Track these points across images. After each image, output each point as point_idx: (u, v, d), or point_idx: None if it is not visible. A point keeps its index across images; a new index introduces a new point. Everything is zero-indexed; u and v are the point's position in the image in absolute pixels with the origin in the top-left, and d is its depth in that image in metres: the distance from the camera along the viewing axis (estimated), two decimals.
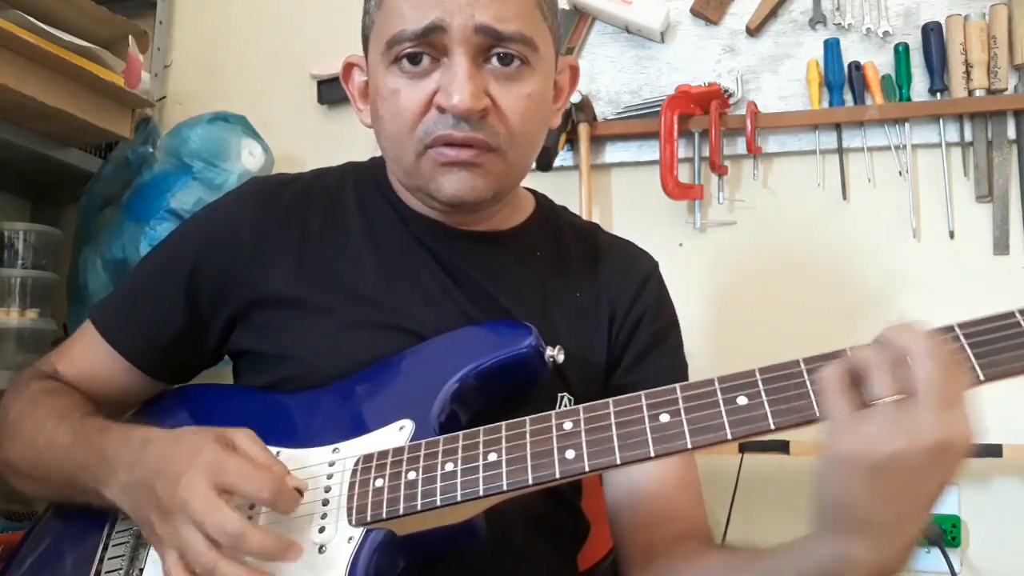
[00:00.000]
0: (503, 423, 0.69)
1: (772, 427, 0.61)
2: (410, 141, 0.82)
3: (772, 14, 1.57)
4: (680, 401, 0.64)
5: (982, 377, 0.58)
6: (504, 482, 0.66)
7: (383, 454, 0.72)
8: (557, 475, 0.65)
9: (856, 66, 1.51)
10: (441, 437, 0.71)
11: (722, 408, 0.62)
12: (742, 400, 0.61)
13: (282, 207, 0.91)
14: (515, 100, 0.82)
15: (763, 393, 0.61)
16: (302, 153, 1.72)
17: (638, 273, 0.96)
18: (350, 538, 0.69)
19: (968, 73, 1.45)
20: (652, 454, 0.63)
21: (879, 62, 1.51)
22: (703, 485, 0.91)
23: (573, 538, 0.94)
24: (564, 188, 1.50)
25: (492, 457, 0.67)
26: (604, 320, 0.92)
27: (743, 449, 1.36)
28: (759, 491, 1.42)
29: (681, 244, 1.57)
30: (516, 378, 0.80)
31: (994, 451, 1.31)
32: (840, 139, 1.52)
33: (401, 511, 0.68)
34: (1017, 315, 0.59)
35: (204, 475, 0.66)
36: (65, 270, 1.66)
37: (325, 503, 0.72)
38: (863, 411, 0.57)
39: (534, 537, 0.86)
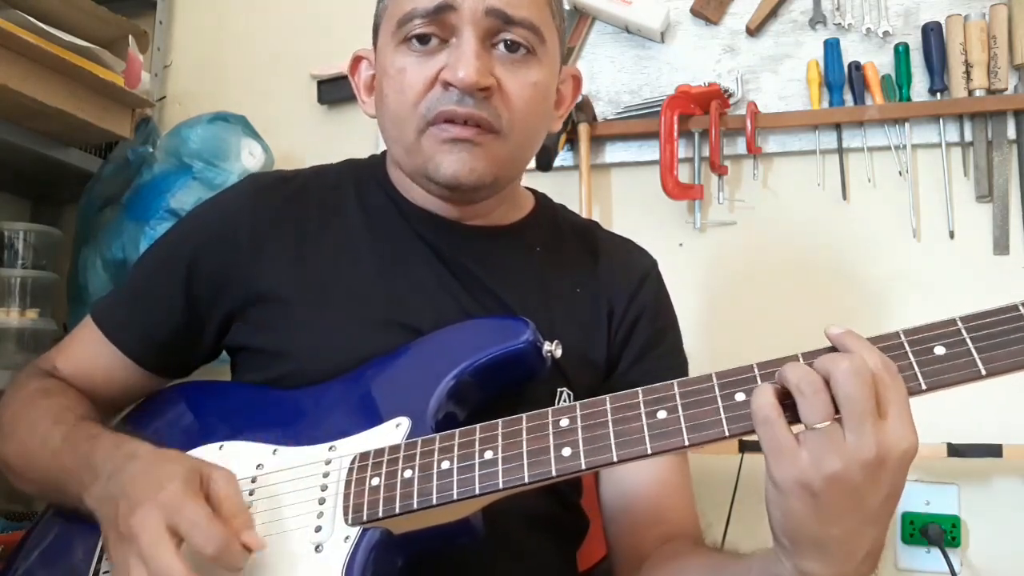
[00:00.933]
0: (499, 420, 0.69)
1: None
2: (412, 117, 0.82)
3: (772, 14, 1.57)
4: (677, 398, 0.63)
5: (984, 372, 0.57)
6: (500, 480, 0.66)
7: (379, 452, 0.72)
8: (553, 473, 0.65)
9: (856, 66, 1.50)
10: (437, 435, 0.70)
11: (720, 405, 0.62)
12: (740, 396, 0.61)
13: (280, 203, 0.91)
14: (520, 85, 0.83)
15: None
16: (302, 153, 1.72)
17: (637, 271, 0.96)
18: (346, 537, 0.69)
19: (968, 73, 1.45)
20: (649, 451, 0.62)
21: (879, 62, 1.51)
22: (702, 485, 0.91)
23: (572, 536, 0.94)
24: (564, 188, 1.50)
25: (488, 455, 0.67)
26: (603, 317, 0.92)
27: (743, 449, 1.36)
28: (759, 491, 1.39)
29: (681, 244, 1.57)
30: (514, 373, 0.79)
31: (994, 451, 1.31)
32: (840, 139, 1.51)
33: (397, 510, 0.68)
34: (1021, 308, 0.58)
35: (160, 513, 0.63)
36: (65, 270, 1.66)
37: (321, 502, 0.71)
38: (798, 436, 0.57)
39: (533, 535, 0.86)
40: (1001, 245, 1.44)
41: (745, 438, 0.62)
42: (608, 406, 0.65)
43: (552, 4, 0.86)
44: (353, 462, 0.72)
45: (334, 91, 1.75)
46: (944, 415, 1.22)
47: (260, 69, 1.83)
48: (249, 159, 1.58)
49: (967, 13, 1.47)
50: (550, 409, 0.68)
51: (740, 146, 1.54)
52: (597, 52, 1.66)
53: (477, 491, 0.66)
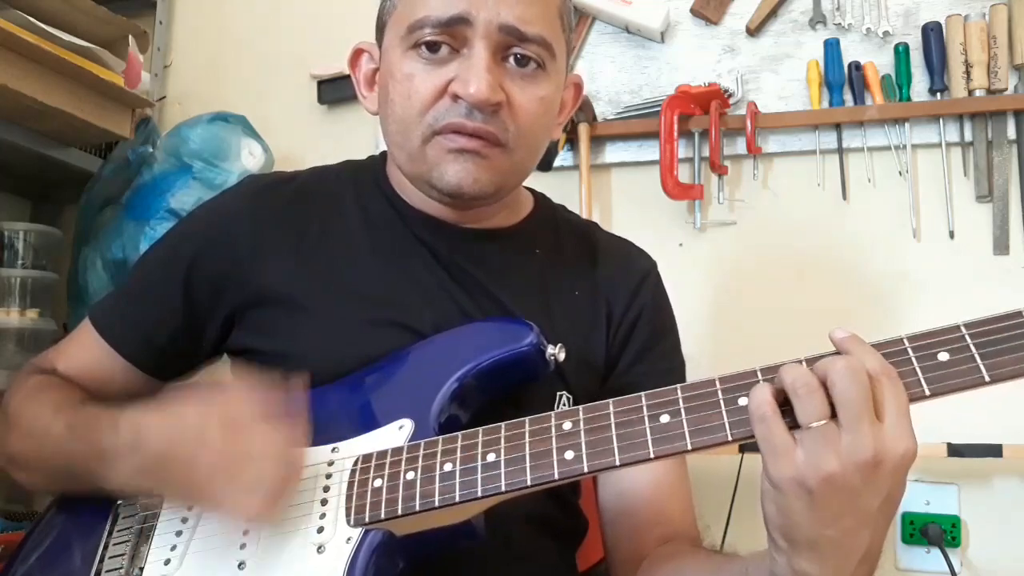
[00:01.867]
0: (502, 423, 0.69)
1: None
2: (419, 125, 0.82)
3: (772, 14, 1.57)
4: (681, 402, 0.63)
5: (987, 379, 0.57)
6: (503, 483, 0.66)
7: (382, 454, 0.72)
8: (556, 476, 0.65)
9: (856, 66, 1.51)
10: (440, 437, 0.71)
11: (723, 409, 0.61)
12: (743, 401, 0.61)
13: (279, 205, 0.91)
14: (528, 100, 0.83)
15: None
16: (302, 153, 1.72)
17: (636, 272, 0.96)
18: (348, 538, 0.69)
19: (968, 73, 1.45)
20: (652, 455, 0.62)
21: (879, 62, 1.51)
22: (702, 485, 0.91)
23: (572, 536, 0.94)
24: (564, 188, 1.50)
25: (491, 457, 0.67)
26: (602, 319, 0.92)
27: (743, 449, 1.36)
28: (759, 492, 1.41)
29: (681, 244, 1.57)
30: (517, 376, 0.79)
31: (994, 451, 1.31)
32: (840, 139, 1.51)
33: (399, 511, 0.68)
34: None
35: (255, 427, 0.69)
36: (65, 270, 1.66)
37: (324, 503, 0.71)
38: (794, 435, 0.57)
39: (534, 536, 0.86)
40: (1001, 245, 1.44)
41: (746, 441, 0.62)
42: (611, 410, 0.65)
43: (563, 18, 0.86)
44: (355, 464, 0.72)
45: (334, 91, 1.76)
46: (944, 415, 1.21)
47: (260, 69, 1.83)
48: (249, 159, 1.58)
49: (967, 13, 1.47)
50: (553, 412, 0.68)
51: (740, 146, 1.54)
52: (597, 52, 1.66)
53: (479, 493, 0.66)
